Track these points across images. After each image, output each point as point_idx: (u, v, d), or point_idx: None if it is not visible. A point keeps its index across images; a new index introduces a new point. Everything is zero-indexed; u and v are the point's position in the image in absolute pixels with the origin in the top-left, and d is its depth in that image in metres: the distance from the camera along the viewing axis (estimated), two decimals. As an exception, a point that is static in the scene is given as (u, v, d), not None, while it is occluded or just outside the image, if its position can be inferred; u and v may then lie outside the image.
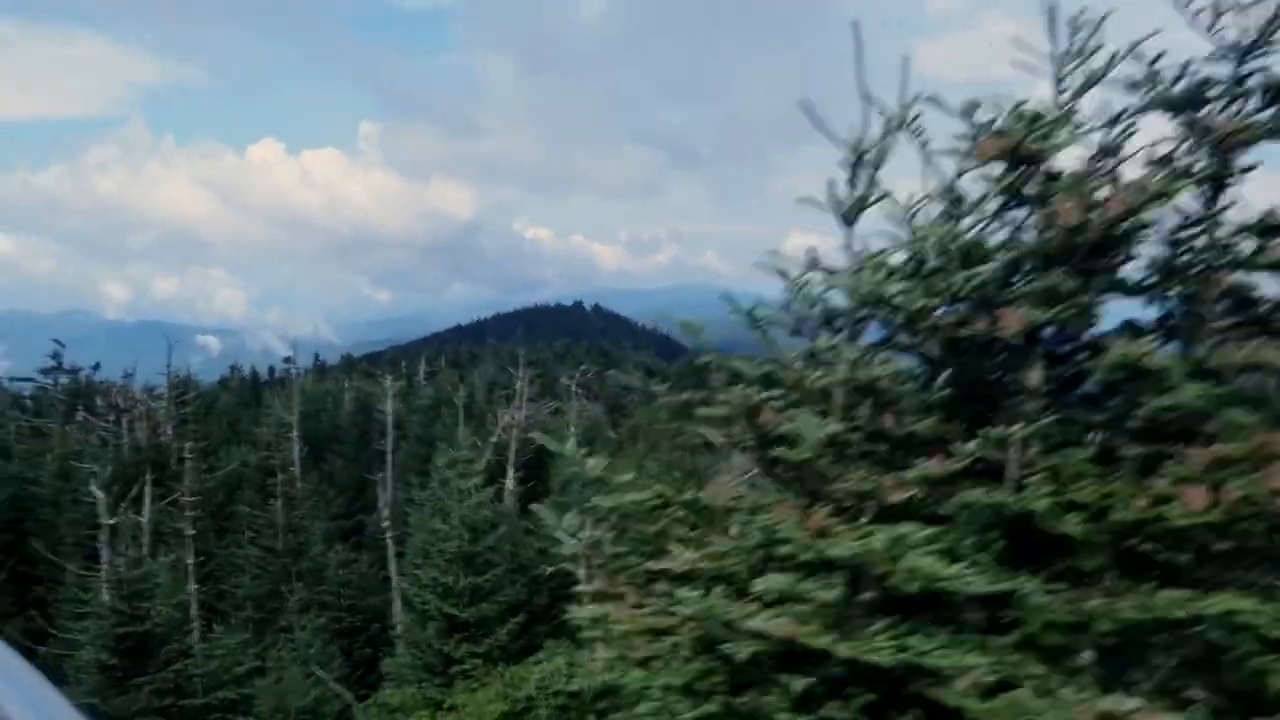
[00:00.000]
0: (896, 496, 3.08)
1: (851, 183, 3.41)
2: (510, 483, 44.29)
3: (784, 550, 2.97)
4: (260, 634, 27.20)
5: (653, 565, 3.30)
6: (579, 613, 3.06)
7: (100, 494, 21.89)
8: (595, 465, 3.68)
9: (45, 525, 32.65)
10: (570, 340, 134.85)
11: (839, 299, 3.55)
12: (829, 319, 3.50)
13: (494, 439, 46.34)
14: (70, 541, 32.07)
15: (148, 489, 33.28)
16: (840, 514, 3.07)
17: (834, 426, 3.11)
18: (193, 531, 26.37)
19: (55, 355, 41.51)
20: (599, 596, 3.41)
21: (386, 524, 28.30)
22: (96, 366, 52.55)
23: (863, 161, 3.35)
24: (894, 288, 3.21)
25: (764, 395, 3.14)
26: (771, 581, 2.74)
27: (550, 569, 25.53)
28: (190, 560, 26.41)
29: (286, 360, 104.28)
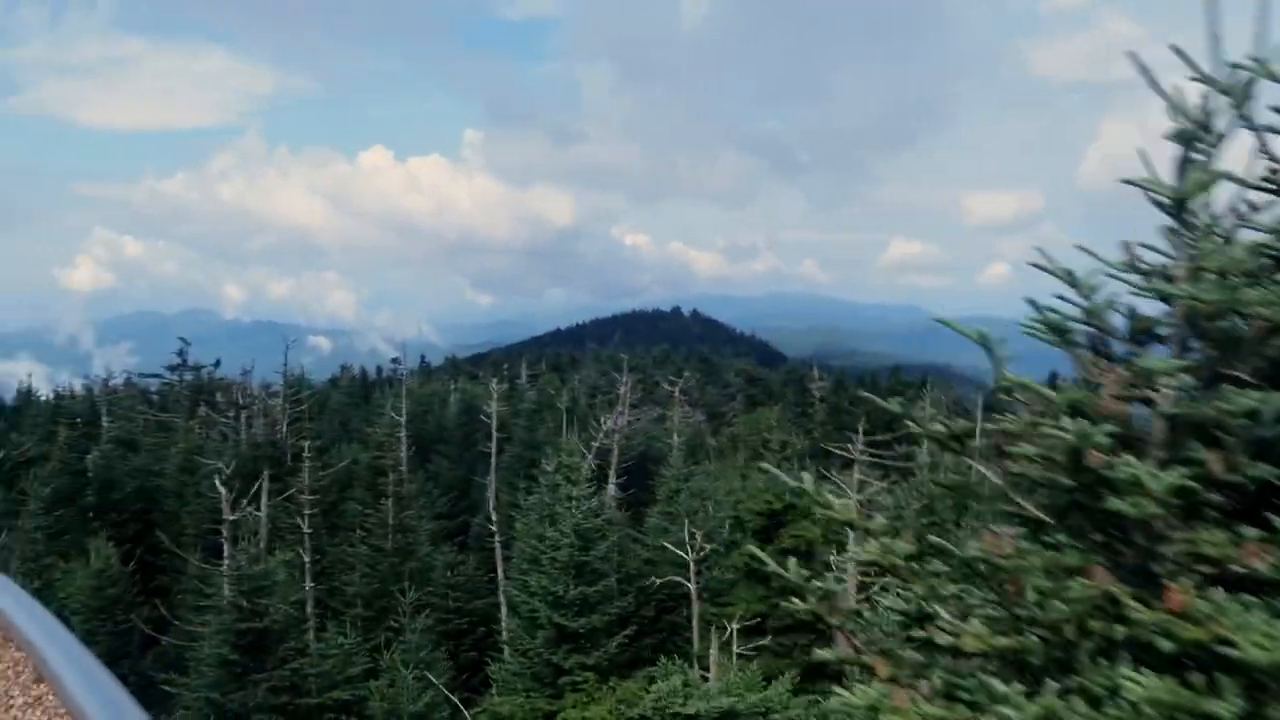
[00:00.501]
0: (1262, 562, 2.36)
1: (1185, 161, 2.68)
2: (612, 489, 43.96)
3: (1118, 633, 2.29)
4: (369, 633, 27.44)
5: (927, 636, 2.62)
6: (850, 699, 2.40)
7: (223, 490, 22.33)
8: (844, 507, 3.01)
9: (169, 516, 33.77)
10: (670, 346, 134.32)
11: (1147, 307, 2.82)
12: (1141, 333, 2.78)
13: (596, 444, 46.19)
14: (192, 533, 33.08)
15: (265, 485, 34.15)
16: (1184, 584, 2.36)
17: (1179, 473, 2.39)
18: (309, 530, 26.71)
19: (181, 353, 43.10)
20: (862, 669, 2.73)
21: (494, 527, 28.15)
22: (217, 364, 54.44)
23: (1205, 133, 2.62)
24: (1251, 295, 2.48)
25: (1090, 431, 2.44)
26: (1147, 686, 2.04)
27: (658, 581, 25.02)
28: (307, 558, 26.76)
29: (394, 361, 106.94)
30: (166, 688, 18.73)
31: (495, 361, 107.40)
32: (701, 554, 23.83)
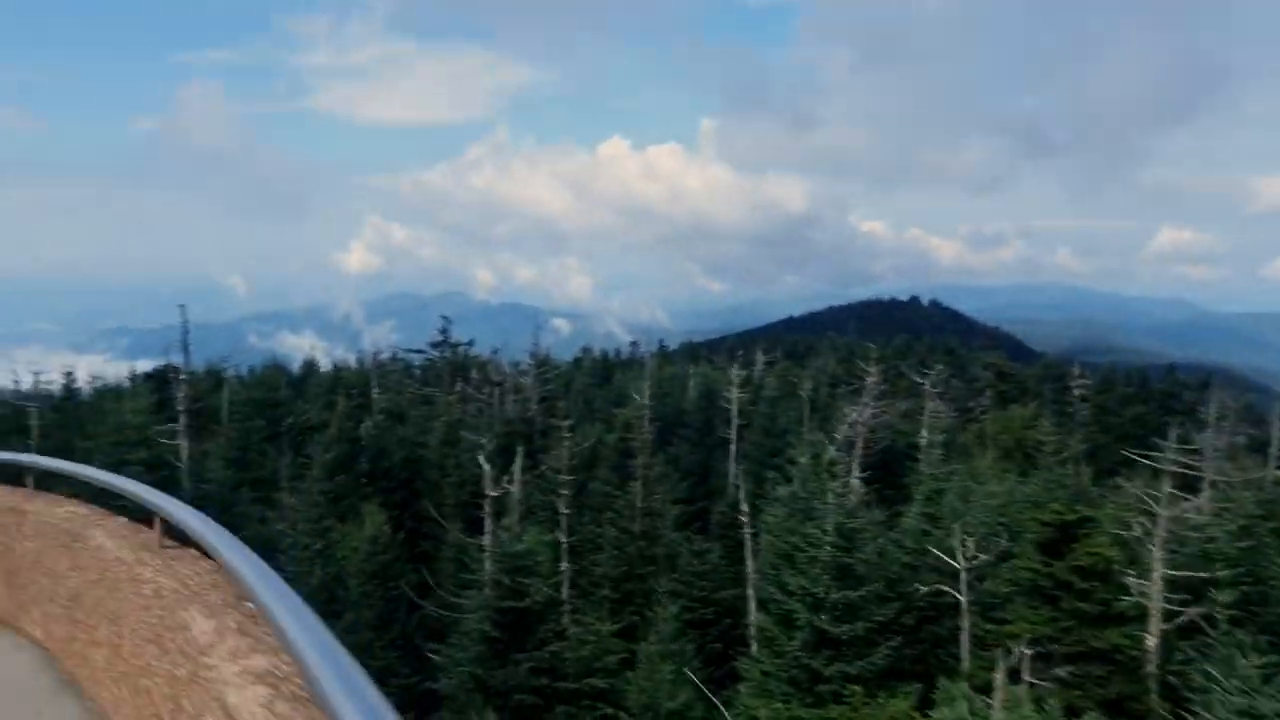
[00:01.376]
0: None
1: None
2: (855, 483, 41.92)
3: None
4: (615, 615, 27.38)
5: None
6: None
7: (487, 466, 22.76)
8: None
9: (432, 486, 35.52)
10: (911, 336, 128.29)
11: None
12: None
13: (840, 435, 44.21)
14: (452, 503, 34.60)
15: (519, 462, 35.11)
16: None
17: None
18: (567, 511, 26.86)
19: (444, 331, 45.34)
20: None
21: (744, 518, 27.14)
22: (471, 343, 56.94)
23: None
24: None
25: None
26: None
27: (923, 588, 23.06)
28: (564, 539, 26.92)
29: (632, 344, 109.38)
30: (432, 655, 19.17)
31: (730, 348, 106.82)
32: (973, 562, 21.67)
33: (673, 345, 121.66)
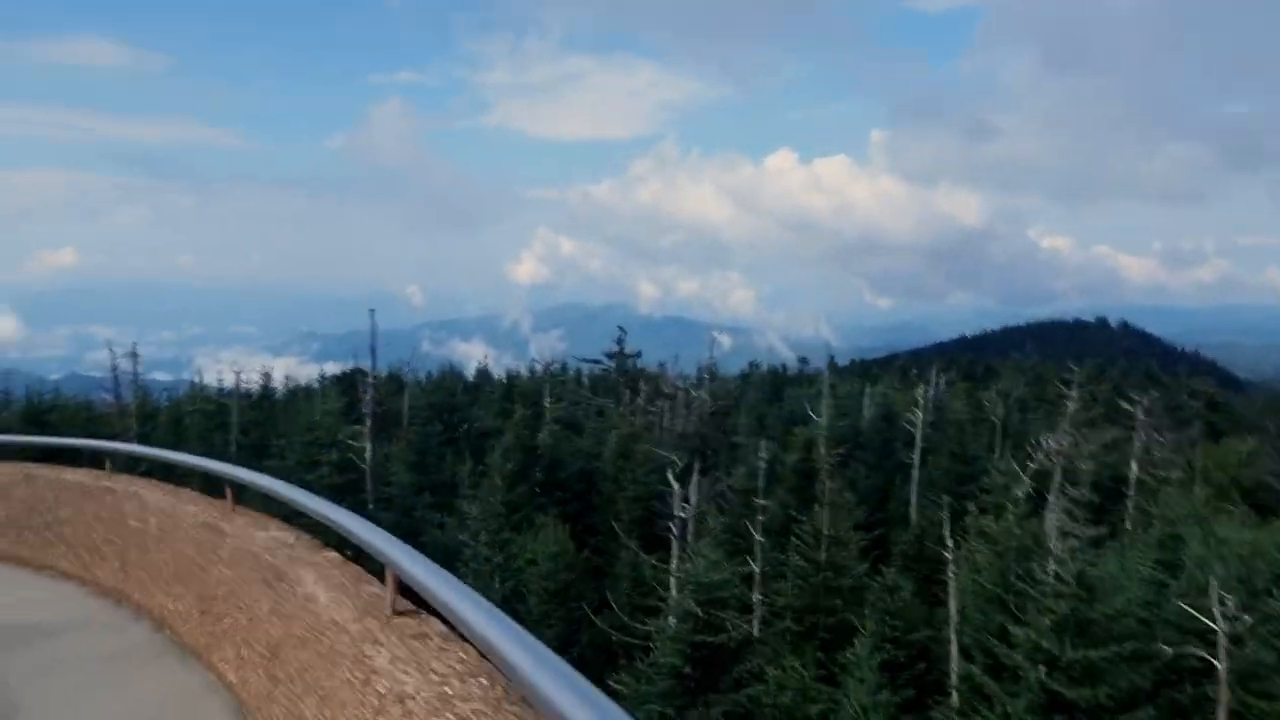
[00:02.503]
0: None
1: None
2: (1053, 518, 38.22)
3: None
4: (798, 648, 25.50)
5: None
6: None
7: (676, 486, 21.48)
8: None
9: (606, 500, 34.73)
10: (1103, 360, 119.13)
11: None
12: None
13: (1034, 465, 40.62)
14: (627, 519, 33.66)
15: (695, 479, 33.76)
16: None
17: None
18: (761, 538, 25.03)
19: (619, 341, 44.66)
20: None
21: (949, 554, 24.69)
22: (638, 354, 56.20)
23: None
24: None
25: None
26: None
27: (1170, 650, 20.09)
28: (757, 568, 25.01)
29: (801, 361, 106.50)
30: (616, 685, 18.00)
31: (902, 366, 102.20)
32: (1234, 623, 18.60)
33: (840, 362, 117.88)
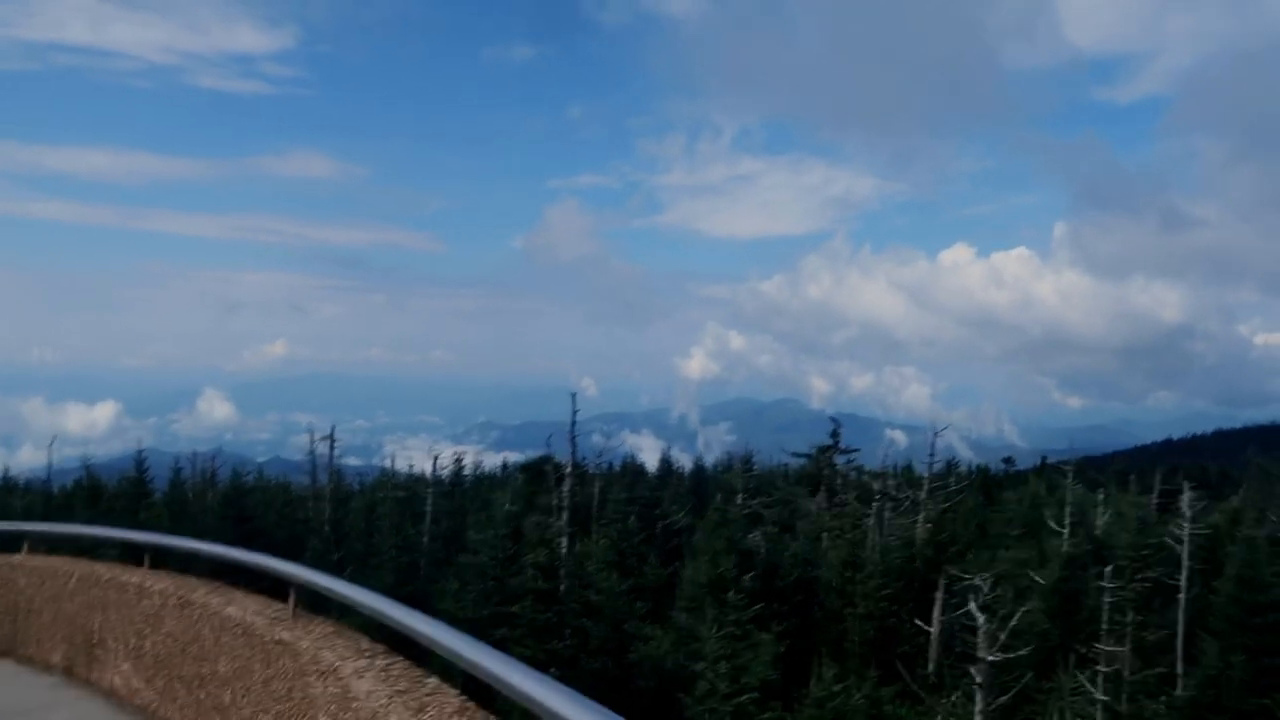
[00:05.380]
0: None
1: None
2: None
3: None
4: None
5: None
6: None
7: (981, 617, 16.98)
8: None
9: (830, 615, 30.24)
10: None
11: None
12: None
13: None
14: (856, 639, 29.11)
15: (940, 596, 28.85)
16: None
17: None
18: (1104, 696, 19.69)
19: (833, 434, 40.37)
20: None
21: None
22: (856, 450, 50.96)
23: None
24: None
25: None
26: None
27: None
28: None
29: (1005, 461, 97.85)
30: None
31: (1119, 470, 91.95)
32: None
33: (1025, 463, 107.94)
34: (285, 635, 5.56)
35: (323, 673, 4.92)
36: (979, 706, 15.80)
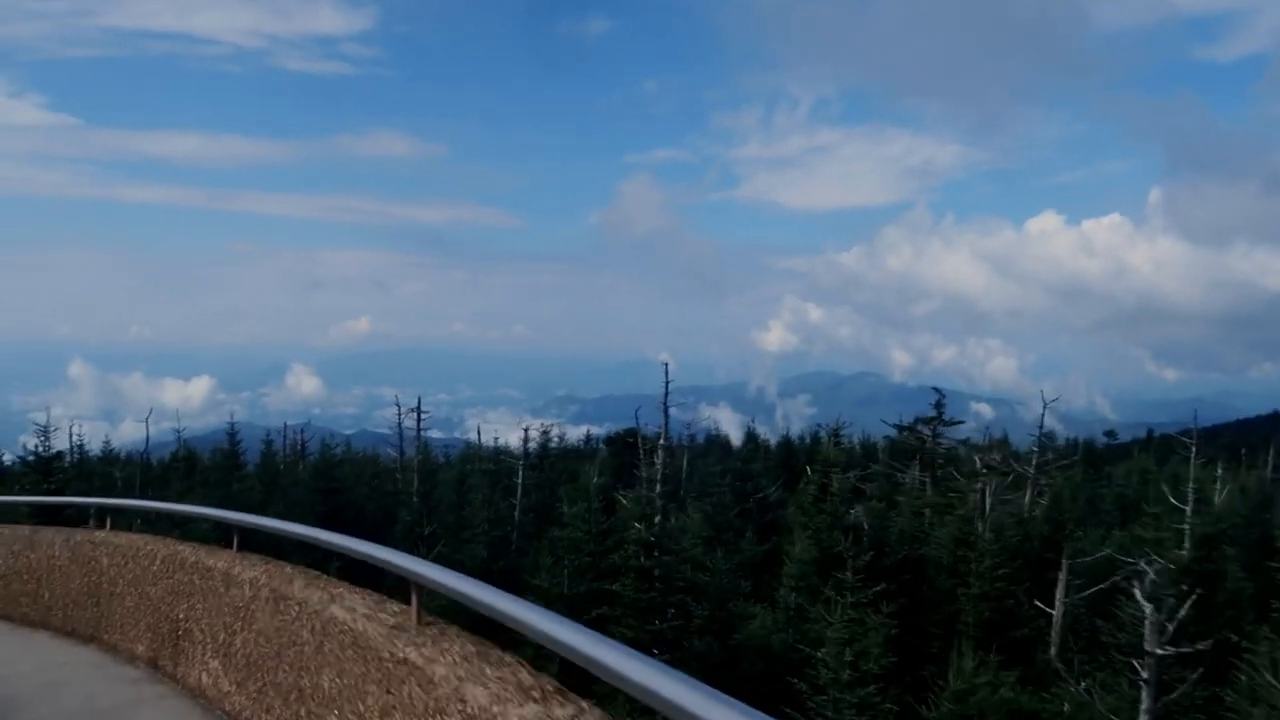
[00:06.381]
0: None
1: None
2: None
3: None
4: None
5: None
6: None
7: (1149, 608, 15.23)
8: None
9: (940, 595, 28.46)
10: None
11: None
12: None
13: None
14: (970, 621, 27.32)
15: (1063, 579, 26.87)
16: None
17: None
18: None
19: (937, 405, 38.32)
20: None
21: None
22: (959, 423, 48.29)
23: None
24: None
25: None
26: None
27: None
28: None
29: (1107, 434, 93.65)
30: None
31: (1225, 444, 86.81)
32: None
33: (1122, 436, 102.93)
34: (412, 654, 4.28)
35: (471, 718, 3.62)
36: (1145, 705, 14.09)
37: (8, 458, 44.20)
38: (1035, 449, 42.01)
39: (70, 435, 43.52)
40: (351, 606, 5.21)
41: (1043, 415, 41.76)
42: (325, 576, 6.07)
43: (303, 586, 5.87)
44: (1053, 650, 26.82)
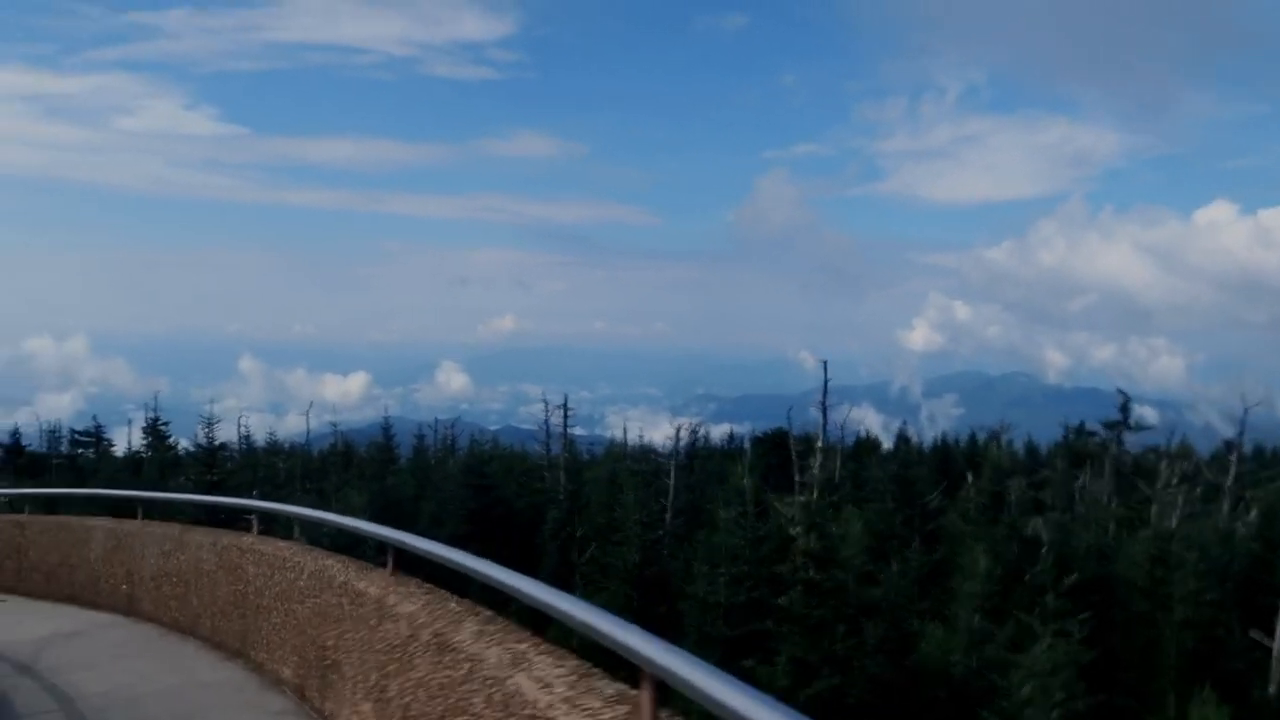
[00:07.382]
0: None
1: None
2: None
3: None
4: None
5: None
6: None
7: None
8: None
9: (1137, 619, 25.69)
10: None
11: None
12: None
13: None
14: (1171, 650, 24.53)
15: (1287, 607, 23.71)
16: None
17: None
18: None
19: (1123, 408, 35.07)
20: None
21: None
22: (1149, 427, 44.44)
23: None
24: None
25: None
26: None
27: None
28: None
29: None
30: None
31: None
32: None
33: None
34: None
35: None
36: None
37: (183, 447, 46.64)
38: (1233, 457, 37.98)
39: (238, 427, 45.43)
40: (545, 680, 3.90)
41: (1243, 419, 37.69)
42: (501, 621, 4.96)
43: (474, 635, 4.73)
44: (1271, 688, 23.78)
